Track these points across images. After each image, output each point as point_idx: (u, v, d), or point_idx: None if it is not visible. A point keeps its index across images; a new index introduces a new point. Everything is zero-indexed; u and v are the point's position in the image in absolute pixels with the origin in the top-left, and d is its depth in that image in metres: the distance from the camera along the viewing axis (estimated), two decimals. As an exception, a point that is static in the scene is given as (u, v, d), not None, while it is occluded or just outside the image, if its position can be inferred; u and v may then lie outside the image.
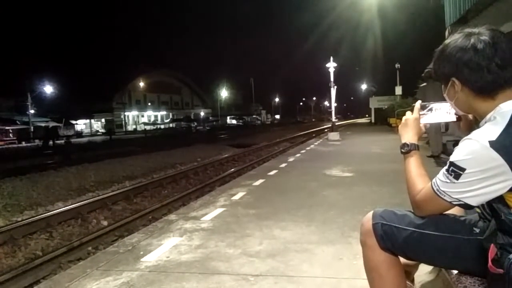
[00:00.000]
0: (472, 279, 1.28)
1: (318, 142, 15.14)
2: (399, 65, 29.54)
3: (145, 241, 3.32)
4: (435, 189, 1.16)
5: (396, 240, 1.29)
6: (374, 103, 36.98)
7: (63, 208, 6.46)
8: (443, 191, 1.14)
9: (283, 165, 8.18)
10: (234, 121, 74.40)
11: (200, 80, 79.56)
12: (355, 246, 2.82)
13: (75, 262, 4.10)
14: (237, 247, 3.05)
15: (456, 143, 1.16)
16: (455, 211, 1.28)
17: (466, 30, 1.17)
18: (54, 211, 6.29)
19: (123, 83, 58.49)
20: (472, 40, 1.12)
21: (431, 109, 1.44)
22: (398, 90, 28.17)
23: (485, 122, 1.13)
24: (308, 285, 2.33)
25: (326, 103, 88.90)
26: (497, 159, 1.01)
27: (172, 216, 4.23)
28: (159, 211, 6.27)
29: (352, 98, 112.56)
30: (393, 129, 19.63)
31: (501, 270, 1.04)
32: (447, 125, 9.17)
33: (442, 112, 1.42)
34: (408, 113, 1.45)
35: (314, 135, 24.56)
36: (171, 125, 59.84)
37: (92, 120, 57.66)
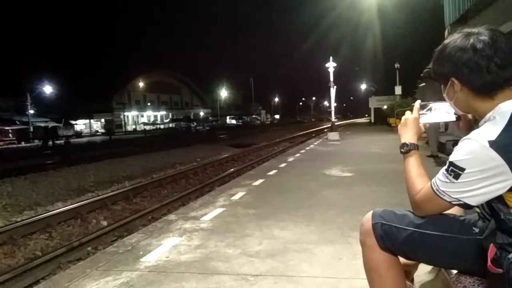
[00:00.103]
0: (471, 279, 1.28)
1: (318, 142, 15.15)
2: (398, 65, 29.56)
3: (144, 241, 3.32)
4: (434, 189, 1.16)
5: (395, 240, 1.30)
6: (374, 103, 36.99)
7: (63, 208, 6.46)
8: (442, 191, 1.14)
9: (283, 165, 8.18)
10: (233, 121, 74.42)
11: (199, 80, 79.62)
12: (354, 246, 2.82)
13: (74, 262, 4.09)
14: (237, 247, 3.05)
15: (455, 143, 1.16)
16: (454, 211, 1.28)
17: (465, 30, 1.17)
18: (53, 211, 6.28)
19: (123, 83, 58.46)
20: (472, 40, 1.12)
21: (430, 109, 1.44)
22: (398, 90, 28.19)
23: (485, 122, 1.13)
24: (308, 285, 2.33)
25: (326, 103, 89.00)
26: (497, 159, 1.01)
27: (171, 216, 4.23)
28: (159, 211, 6.26)
29: (351, 98, 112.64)
30: (393, 129, 19.65)
31: (500, 270, 1.04)
32: (446, 124, 9.19)
33: (442, 111, 1.42)
34: (408, 112, 1.45)
35: (313, 135, 24.57)
36: (170, 125, 59.83)
37: (92, 120, 57.62)
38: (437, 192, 1.15)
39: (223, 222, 3.80)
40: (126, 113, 59.30)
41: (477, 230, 1.23)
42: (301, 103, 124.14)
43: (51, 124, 40.93)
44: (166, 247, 3.13)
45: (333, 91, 16.59)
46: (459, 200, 1.11)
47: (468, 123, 1.37)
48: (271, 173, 7.07)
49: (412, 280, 1.68)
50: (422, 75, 7.88)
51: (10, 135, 37.97)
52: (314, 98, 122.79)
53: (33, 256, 4.59)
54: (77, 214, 6.19)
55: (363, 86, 55.25)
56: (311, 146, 13.17)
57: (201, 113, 72.09)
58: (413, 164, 1.32)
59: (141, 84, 60.18)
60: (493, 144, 1.02)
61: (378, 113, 33.96)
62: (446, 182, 1.12)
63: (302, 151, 11.34)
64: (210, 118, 70.17)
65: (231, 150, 17.49)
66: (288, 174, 6.99)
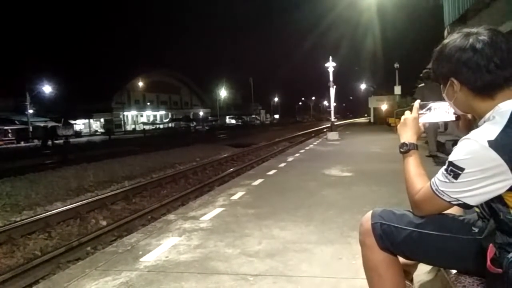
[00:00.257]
0: (471, 279, 1.28)
1: (317, 141, 15.15)
2: (398, 65, 29.58)
3: (144, 241, 3.32)
4: (434, 188, 1.16)
5: (395, 240, 1.29)
6: (373, 102, 37.02)
7: (62, 208, 6.46)
8: (442, 190, 1.13)
9: (282, 164, 8.18)
10: (233, 121, 74.43)
11: (199, 79, 79.63)
12: (354, 246, 2.82)
13: (74, 262, 4.09)
14: (236, 247, 3.05)
15: (455, 142, 1.16)
16: (454, 210, 1.28)
17: (464, 30, 1.17)
18: (53, 211, 6.28)
19: (122, 83, 58.45)
20: (471, 40, 1.12)
21: (430, 109, 1.44)
22: (397, 89, 28.20)
23: (484, 122, 1.13)
24: (307, 285, 2.33)
25: (325, 102, 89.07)
26: (496, 159, 1.01)
27: (171, 216, 4.23)
28: (158, 211, 6.26)
29: (351, 97, 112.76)
30: (392, 129, 19.66)
31: (500, 270, 1.04)
32: (446, 124, 9.19)
33: (441, 111, 1.42)
34: (407, 112, 1.44)
35: (313, 134, 24.57)
36: (170, 124, 59.84)
37: (91, 120, 57.60)
38: (437, 192, 1.15)
39: (223, 222, 3.80)
40: (125, 113, 59.28)
41: (476, 230, 1.23)
42: (300, 103, 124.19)
43: (51, 124, 40.94)
44: (165, 247, 3.13)
45: (332, 91, 16.59)
46: (459, 200, 1.11)
47: (468, 123, 1.37)
48: (271, 173, 7.07)
49: (411, 280, 1.68)
50: (421, 75, 7.87)
51: (10, 135, 38.00)
52: (313, 98, 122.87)
53: (32, 256, 4.58)
54: (77, 214, 6.18)
55: (363, 86, 55.30)
56: (311, 146, 13.17)
57: (201, 113, 72.10)
58: (413, 164, 1.32)
59: (140, 84, 60.15)
60: (492, 144, 1.02)
61: (378, 113, 33.98)
62: (446, 182, 1.12)
63: (302, 151, 11.34)
64: (209, 118, 70.18)
65: (231, 150, 17.49)
66: (287, 174, 6.99)
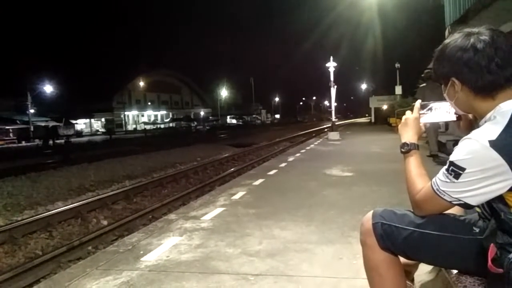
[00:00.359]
0: (472, 279, 1.28)
1: (318, 141, 15.14)
2: (399, 65, 29.57)
3: (145, 240, 3.32)
4: (435, 188, 1.16)
5: (396, 240, 1.29)
6: (374, 102, 37.01)
7: (63, 208, 6.46)
8: (443, 190, 1.14)
9: (283, 164, 8.18)
10: (234, 121, 74.47)
11: (200, 79, 79.65)
12: (355, 245, 2.82)
13: (75, 261, 4.09)
14: (237, 246, 3.05)
15: (456, 142, 1.16)
16: (455, 210, 1.28)
17: (465, 30, 1.17)
18: (54, 211, 6.29)
19: (123, 83, 58.51)
20: (472, 40, 1.12)
21: (431, 109, 1.44)
22: (398, 89, 28.19)
23: (485, 122, 1.13)
24: (308, 285, 2.33)
25: (326, 102, 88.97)
26: (497, 159, 1.01)
27: (172, 216, 4.23)
28: (159, 211, 6.27)
29: (352, 97, 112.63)
30: (393, 129, 19.65)
31: (501, 270, 1.04)
32: (447, 124, 9.18)
33: (442, 111, 1.42)
34: (408, 112, 1.44)
35: (314, 134, 24.56)
36: (171, 124, 59.89)
37: (92, 120, 57.68)
38: (438, 192, 1.15)
39: (224, 222, 3.80)
40: (126, 113, 59.34)
41: (477, 230, 1.23)
42: (301, 103, 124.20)
43: (52, 124, 40.98)
44: (166, 246, 3.13)
45: (333, 91, 16.59)
46: (460, 200, 1.11)
47: (469, 123, 1.37)
48: (272, 172, 7.07)
49: (412, 280, 1.68)
50: (423, 75, 7.87)
51: (11, 134, 38.08)
52: (314, 98, 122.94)
53: (33, 255, 4.59)
54: (78, 214, 6.19)
55: (364, 86, 55.30)
56: (312, 145, 13.16)
57: (202, 113, 72.15)
58: (414, 164, 1.32)
59: (141, 83, 60.21)
60: (493, 144, 1.02)
61: (379, 113, 33.96)
62: (447, 182, 1.12)
63: (303, 150, 11.34)
64: (210, 117, 70.23)
65: (232, 150, 17.49)
66: (288, 173, 6.99)
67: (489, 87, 1.11)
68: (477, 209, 1.27)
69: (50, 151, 22.16)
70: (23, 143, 33.91)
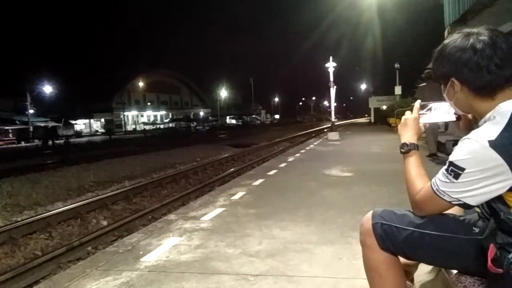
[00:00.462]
0: (471, 279, 1.28)
1: (318, 142, 15.14)
2: (398, 65, 29.59)
3: (144, 241, 3.32)
4: (434, 189, 1.16)
5: (395, 240, 1.30)
6: (374, 103, 37.01)
7: (63, 208, 6.46)
8: (442, 190, 1.14)
9: (283, 165, 8.18)
10: (233, 121, 74.42)
11: (199, 80, 79.68)
12: (354, 246, 2.82)
13: (74, 262, 4.09)
14: (237, 247, 3.05)
15: (455, 142, 1.16)
16: (454, 210, 1.28)
17: (465, 30, 1.17)
18: (53, 211, 6.28)
19: (123, 83, 58.49)
20: (471, 40, 1.13)
21: (430, 109, 1.44)
22: (398, 90, 28.21)
23: (485, 122, 1.13)
24: (308, 285, 2.33)
25: (326, 103, 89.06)
26: (497, 159, 1.01)
27: (171, 216, 4.23)
28: (159, 211, 6.26)
29: (351, 98, 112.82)
30: (393, 129, 19.65)
31: (500, 270, 1.04)
32: (446, 124, 9.19)
33: (442, 111, 1.42)
34: (408, 112, 1.45)
35: (313, 135, 24.56)
36: (170, 125, 59.86)
37: (92, 120, 57.65)
38: (437, 192, 1.15)
39: (223, 222, 3.80)
40: (126, 113, 59.31)
41: (477, 230, 1.23)
42: (301, 103, 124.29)
43: (51, 124, 40.93)
44: (166, 247, 3.13)
45: (333, 91, 16.59)
46: (459, 200, 1.11)
47: (468, 123, 1.37)
48: (271, 173, 7.07)
49: (412, 280, 1.68)
50: (423, 75, 7.86)
51: (10, 135, 38.04)
52: (314, 98, 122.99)
53: (33, 256, 4.59)
54: (77, 214, 6.19)
55: (363, 86, 55.32)
56: (311, 146, 13.16)
57: (201, 113, 72.12)
58: (413, 164, 1.32)
59: (141, 84, 60.20)
60: (493, 144, 1.02)
61: (378, 113, 33.97)
62: (446, 182, 1.12)
63: (302, 151, 11.34)
64: (210, 118, 70.20)
65: (231, 150, 17.49)
66: (288, 174, 6.99)
67: (488, 87, 1.11)
68: (477, 209, 1.27)
69: (49, 151, 22.14)
70: (23, 144, 33.87)
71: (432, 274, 1.87)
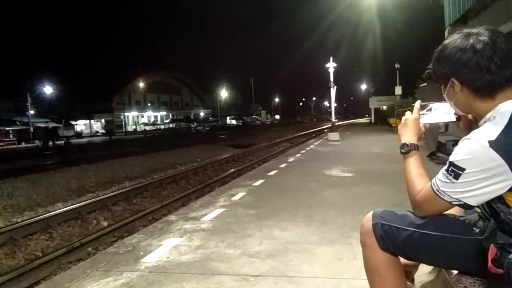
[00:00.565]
0: (472, 279, 1.28)
1: (318, 142, 15.14)
2: (398, 65, 29.61)
3: (145, 241, 3.32)
4: (434, 189, 1.16)
5: (396, 240, 1.29)
6: (374, 103, 37.02)
7: (63, 209, 6.46)
8: (442, 191, 1.14)
9: (283, 165, 8.18)
10: (234, 122, 74.41)
11: (200, 80, 79.66)
12: (355, 246, 2.82)
13: (75, 262, 4.10)
14: (237, 247, 3.05)
15: (455, 143, 1.16)
16: (455, 211, 1.28)
17: (465, 31, 1.17)
18: (54, 212, 6.29)
19: (123, 84, 58.51)
20: (471, 41, 1.13)
21: (430, 109, 1.44)
22: (398, 90, 28.22)
23: (485, 122, 1.13)
24: (308, 286, 2.33)
25: (326, 103, 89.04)
26: (497, 159, 1.01)
27: (172, 217, 4.23)
28: (159, 212, 6.27)
29: (352, 98, 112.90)
30: (393, 129, 19.65)
31: (501, 270, 1.04)
32: (446, 125, 9.19)
33: (442, 112, 1.42)
34: (408, 113, 1.45)
35: (314, 135, 24.56)
36: (171, 125, 59.88)
37: (92, 121, 57.66)
38: (437, 192, 1.15)
39: (224, 223, 3.80)
40: (126, 114, 59.34)
41: (477, 230, 1.23)
42: (301, 103, 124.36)
43: (52, 125, 40.99)
44: (166, 247, 3.13)
45: (333, 91, 16.60)
46: (459, 200, 1.11)
47: (468, 123, 1.37)
48: (272, 173, 7.07)
49: (412, 281, 1.68)
50: (423, 76, 7.86)
51: (11, 135, 38.04)
52: (314, 98, 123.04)
53: (33, 257, 4.59)
54: (78, 215, 6.19)
55: (363, 87, 55.33)
56: (312, 146, 13.17)
57: (201, 114, 72.13)
58: (413, 165, 1.32)
59: (141, 84, 60.23)
60: (493, 144, 1.02)
61: (379, 113, 33.98)
62: (446, 182, 1.12)
63: (303, 151, 11.34)
64: (210, 118, 70.22)
65: (232, 151, 17.49)
66: (288, 174, 6.99)
67: (488, 88, 1.11)
68: (477, 210, 1.27)
69: (50, 152, 22.16)
70: (23, 144, 33.92)
71: (433, 275, 1.87)
